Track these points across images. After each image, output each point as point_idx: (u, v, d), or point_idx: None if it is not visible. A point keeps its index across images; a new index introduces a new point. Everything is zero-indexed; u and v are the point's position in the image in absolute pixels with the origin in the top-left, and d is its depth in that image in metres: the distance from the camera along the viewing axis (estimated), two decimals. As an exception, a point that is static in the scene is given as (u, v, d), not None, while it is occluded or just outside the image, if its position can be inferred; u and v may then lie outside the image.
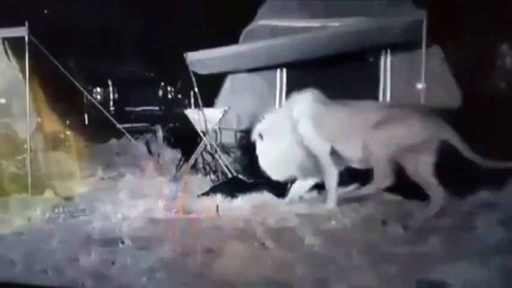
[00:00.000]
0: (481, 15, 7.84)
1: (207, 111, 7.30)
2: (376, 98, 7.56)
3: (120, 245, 4.42)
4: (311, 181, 5.95)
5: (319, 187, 5.97)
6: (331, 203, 5.54)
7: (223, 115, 7.32)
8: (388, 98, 7.58)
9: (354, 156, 5.54)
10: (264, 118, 5.99)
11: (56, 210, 5.65)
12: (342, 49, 6.92)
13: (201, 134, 7.27)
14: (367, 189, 5.38)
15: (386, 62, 7.62)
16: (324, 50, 6.93)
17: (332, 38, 6.86)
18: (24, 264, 4.02)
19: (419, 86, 6.40)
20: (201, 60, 7.10)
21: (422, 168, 5.30)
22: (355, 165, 5.64)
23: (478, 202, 5.27)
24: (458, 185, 5.40)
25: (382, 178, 5.27)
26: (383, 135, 5.28)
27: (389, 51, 7.51)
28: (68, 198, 6.17)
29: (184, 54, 6.95)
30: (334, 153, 5.62)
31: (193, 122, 7.35)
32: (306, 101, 5.76)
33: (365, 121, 5.40)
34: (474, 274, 3.57)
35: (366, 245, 4.28)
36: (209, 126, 7.26)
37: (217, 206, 5.58)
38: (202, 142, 7.27)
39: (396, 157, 5.30)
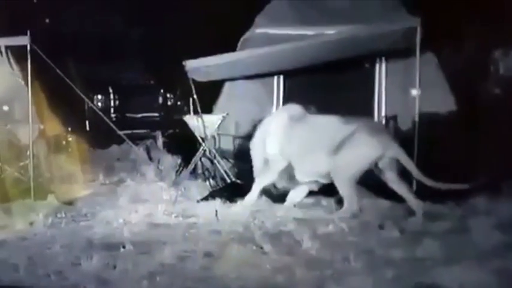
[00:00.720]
0: (474, 21, 7.88)
1: (206, 117, 7.30)
2: (371, 104, 7.58)
3: (122, 249, 4.41)
4: (306, 188, 5.95)
5: (314, 193, 5.99)
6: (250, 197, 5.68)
7: (221, 121, 7.32)
8: (383, 104, 7.58)
9: (318, 171, 5.55)
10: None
11: (59, 215, 5.63)
12: (337, 56, 6.93)
13: (200, 139, 7.26)
14: (343, 213, 5.26)
15: (381, 69, 7.62)
16: (320, 57, 6.94)
17: (328, 45, 6.88)
18: (27, 269, 4.00)
19: (414, 92, 6.41)
20: (200, 67, 7.12)
21: (392, 182, 5.37)
22: (322, 180, 5.69)
23: (474, 207, 5.29)
24: (453, 190, 5.42)
25: (353, 202, 5.24)
26: (341, 161, 5.30)
27: (384, 58, 7.53)
28: (70, 203, 6.15)
29: (184, 62, 6.96)
30: (289, 171, 5.69)
31: (192, 128, 7.35)
32: (281, 118, 5.80)
33: (327, 143, 5.43)
34: (471, 277, 3.57)
35: (364, 249, 4.28)
36: (208, 132, 7.26)
37: (216, 211, 5.57)
38: (202, 148, 7.26)
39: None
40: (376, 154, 5.27)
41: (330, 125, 5.55)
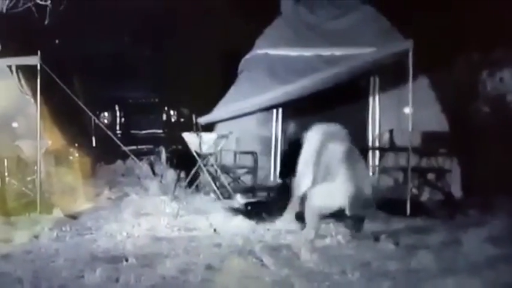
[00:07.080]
0: (463, 44, 7.90)
1: (204, 134, 7.25)
2: (365, 126, 7.52)
3: (124, 262, 4.31)
4: None
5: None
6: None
7: (217, 138, 7.27)
8: (377, 124, 7.51)
9: None
10: None
11: (63, 229, 5.52)
12: (333, 84, 6.84)
13: (196, 155, 7.23)
14: (303, 236, 5.07)
15: (375, 90, 7.59)
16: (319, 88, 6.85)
17: (327, 80, 6.75)
18: (31, 283, 3.88)
19: (407, 111, 6.33)
20: (210, 121, 7.31)
21: None
22: None
23: (466, 220, 5.23)
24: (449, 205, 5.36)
25: (310, 230, 5.09)
26: (312, 192, 5.17)
27: (377, 79, 7.50)
28: (75, 217, 6.05)
29: (197, 119, 7.17)
30: None
31: (188, 144, 7.31)
32: (316, 134, 5.63)
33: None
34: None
35: (360, 262, 4.19)
36: (204, 148, 7.18)
37: (214, 229, 5.47)
38: (198, 163, 7.23)
39: None
40: (339, 204, 5.07)
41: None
